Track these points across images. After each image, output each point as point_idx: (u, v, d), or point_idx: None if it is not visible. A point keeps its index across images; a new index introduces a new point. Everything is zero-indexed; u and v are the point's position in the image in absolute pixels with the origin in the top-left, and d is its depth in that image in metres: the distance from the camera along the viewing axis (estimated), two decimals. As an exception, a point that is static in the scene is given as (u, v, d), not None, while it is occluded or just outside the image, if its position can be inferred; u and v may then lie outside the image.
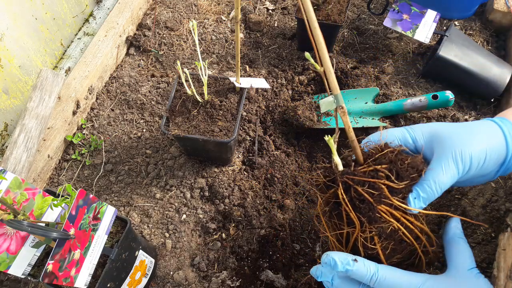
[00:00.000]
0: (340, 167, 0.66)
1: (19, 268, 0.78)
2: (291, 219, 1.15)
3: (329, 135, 0.67)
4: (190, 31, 1.60)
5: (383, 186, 0.62)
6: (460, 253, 0.67)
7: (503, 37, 1.50)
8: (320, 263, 0.66)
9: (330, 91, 0.60)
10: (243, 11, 1.65)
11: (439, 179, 0.62)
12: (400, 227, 0.63)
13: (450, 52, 1.28)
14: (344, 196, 0.63)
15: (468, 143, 0.62)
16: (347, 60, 1.44)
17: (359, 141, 0.70)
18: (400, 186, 0.62)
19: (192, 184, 1.20)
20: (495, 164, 0.64)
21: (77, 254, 0.72)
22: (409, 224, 0.64)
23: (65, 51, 1.53)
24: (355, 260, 0.62)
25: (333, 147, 0.66)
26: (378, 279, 0.61)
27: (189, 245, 1.11)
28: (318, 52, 0.54)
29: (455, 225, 0.71)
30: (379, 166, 0.63)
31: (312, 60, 0.60)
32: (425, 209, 0.65)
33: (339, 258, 0.62)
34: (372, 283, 0.62)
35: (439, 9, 1.38)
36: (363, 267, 0.62)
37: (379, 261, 0.65)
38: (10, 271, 0.76)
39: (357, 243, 0.66)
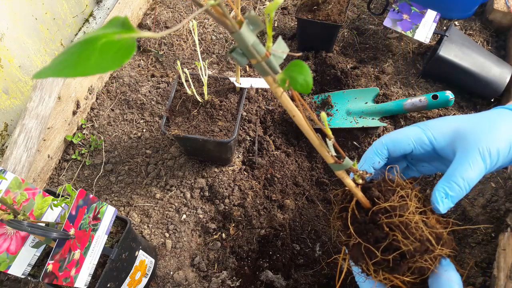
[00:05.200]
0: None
1: (19, 268, 0.78)
2: (291, 219, 1.15)
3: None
4: (190, 31, 1.60)
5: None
6: None
7: (503, 37, 1.50)
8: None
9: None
10: (243, 11, 1.65)
11: (468, 175, 0.57)
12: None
13: (450, 52, 1.28)
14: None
15: (493, 138, 0.60)
16: (347, 60, 1.44)
17: (361, 141, 0.68)
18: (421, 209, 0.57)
19: (192, 184, 1.20)
20: None
21: (77, 254, 0.72)
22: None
23: (65, 51, 1.53)
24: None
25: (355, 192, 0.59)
26: None
27: (189, 245, 1.11)
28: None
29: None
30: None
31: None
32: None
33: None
34: None
35: (439, 9, 1.38)
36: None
37: None
38: (10, 271, 0.76)
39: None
